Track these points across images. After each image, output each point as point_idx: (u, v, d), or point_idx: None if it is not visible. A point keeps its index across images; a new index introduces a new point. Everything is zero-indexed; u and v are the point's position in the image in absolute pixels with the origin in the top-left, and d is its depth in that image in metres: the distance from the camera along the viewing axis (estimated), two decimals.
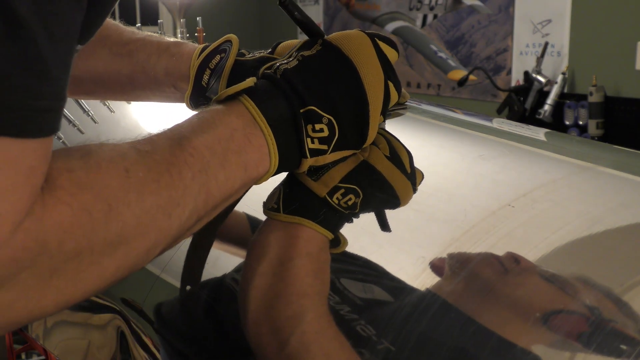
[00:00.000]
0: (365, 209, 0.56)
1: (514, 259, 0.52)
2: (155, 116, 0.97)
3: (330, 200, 0.54)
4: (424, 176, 0.59)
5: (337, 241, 0.56)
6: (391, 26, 4.26)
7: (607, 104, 3.10)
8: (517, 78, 3.55)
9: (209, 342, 0.64)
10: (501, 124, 0.86)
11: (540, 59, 3.31)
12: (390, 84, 0.56)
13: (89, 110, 1.07)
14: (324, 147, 0.53)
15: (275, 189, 0.56)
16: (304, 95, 0.52)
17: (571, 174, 0.64)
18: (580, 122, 3.17)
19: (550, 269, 0.52)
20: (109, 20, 0.78)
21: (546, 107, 3.22)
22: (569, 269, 0.53)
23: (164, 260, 0.71)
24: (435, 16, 4.01)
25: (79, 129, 1.06)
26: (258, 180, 0.53)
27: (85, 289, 0.43)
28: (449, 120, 0.84)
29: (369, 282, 0.57)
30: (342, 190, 0.54)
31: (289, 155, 0.53)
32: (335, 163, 0.55)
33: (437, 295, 0.52)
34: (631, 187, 0.65)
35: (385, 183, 0.55)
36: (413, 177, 0.57)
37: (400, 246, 0.58)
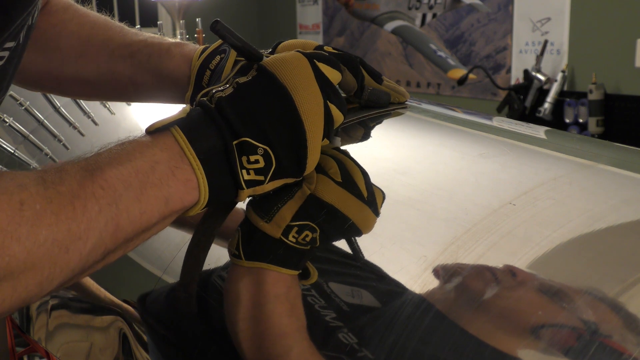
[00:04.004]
0: (326, 241, 0.55)
1: (511, 272, 0.52)
2: (155, 117, 0.97)
3: (286, 240, 0.53)
4: (385, 195, 0.56)
5: (307, 273, 0.56)
6: (390, 25, 4.26)
7: (607, 101, 3.10)
8: (516, 76, 3.56)
9: (188, 325, 0.65)
10: (501, 122, 0.86)
11: (539, 57, 3.31)
12: (332, 105, 0.54)
13: (89, 112, 1.07)
14: (260, 177, 0.52)
15: (235, 233, 0.55)
16: (236, 126, 0.50)
17: (572, 172, 0.64)
18: (580, 120, 3.17)
19: (552, 268, 0.52)
20: (113, 22, 0.79)
21: (546, 105, 3.23)
22: (570, 267, 0.53)
23: (165, 261, 0.71)
24: (434, 15, 4.01)
25: (79, 131, 1.06)
26: (188, 211, 0.51)
27: None
28: (449, 119, 0.84)
29: (361, 286, 0.57)
30: (296, 229, 0.53)
31: (223, 188, 0.52)
32: (284, 200, 0.54)
33: (431, 304, 0.52)
34: (632, 184, 0.65)
35: (338, 214, 0.53)
36: (371, 199, 0.55)
37: (401, 245, 0.58)
